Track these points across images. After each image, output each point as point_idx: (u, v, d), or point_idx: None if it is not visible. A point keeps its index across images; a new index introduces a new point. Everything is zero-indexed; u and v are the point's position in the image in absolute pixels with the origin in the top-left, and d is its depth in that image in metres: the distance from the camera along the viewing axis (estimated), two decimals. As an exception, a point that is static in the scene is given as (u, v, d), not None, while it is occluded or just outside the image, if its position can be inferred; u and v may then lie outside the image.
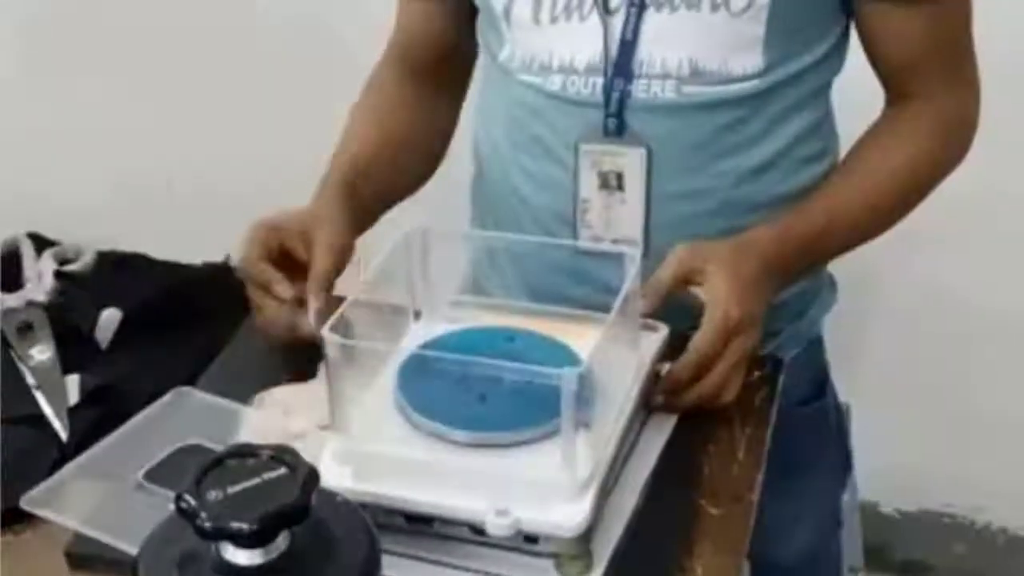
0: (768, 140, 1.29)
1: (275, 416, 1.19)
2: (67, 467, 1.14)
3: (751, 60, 1.26)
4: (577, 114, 1.29)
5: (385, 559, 0.98)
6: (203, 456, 1.03)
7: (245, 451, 0.93)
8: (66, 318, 1.31)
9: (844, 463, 1.53)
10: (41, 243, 1.46)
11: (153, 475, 1.13)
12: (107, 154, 2.31)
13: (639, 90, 1.26)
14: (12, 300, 1.35)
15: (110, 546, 1.05)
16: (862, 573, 1.74)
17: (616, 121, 1.27)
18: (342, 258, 1.25)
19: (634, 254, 1.11)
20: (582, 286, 1.27)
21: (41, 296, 1.35)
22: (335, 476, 1.03)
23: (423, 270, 1.17)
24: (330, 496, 0.97)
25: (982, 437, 2.31)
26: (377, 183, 1.37)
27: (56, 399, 1.22)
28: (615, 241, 1.30)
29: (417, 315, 1.19)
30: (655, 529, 1.08)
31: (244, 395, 1.23)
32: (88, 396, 1.23)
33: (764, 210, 1.30)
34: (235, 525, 0.87)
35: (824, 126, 1.36)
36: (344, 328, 1.05)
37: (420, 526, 1.03)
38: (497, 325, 1.15)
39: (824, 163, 1.36)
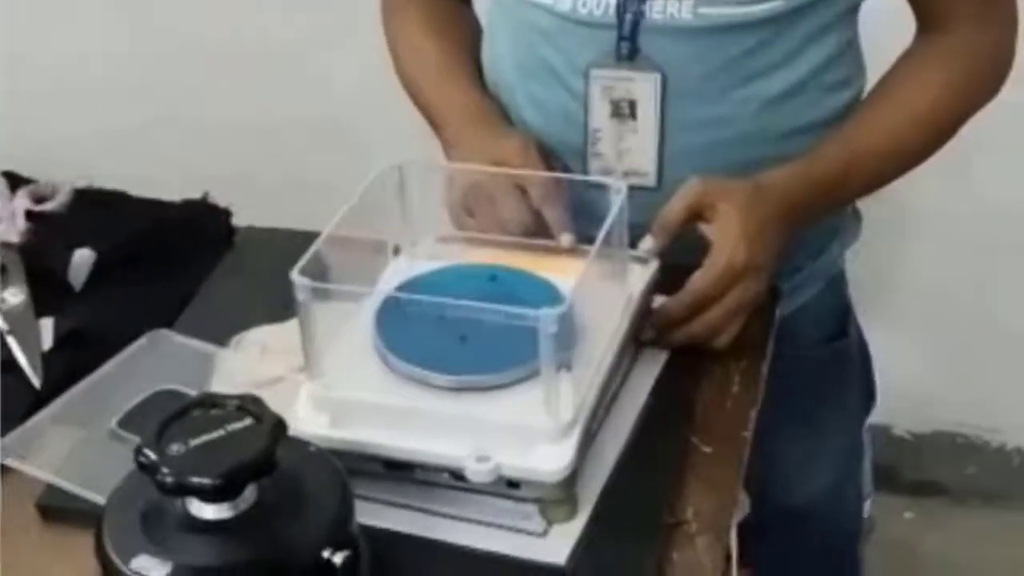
0: (791, 66, 1.22)
1: (252, 359, 1.15)
2: (39, 415, 1.11)
3: None
4: (588, 37, 1.23)
5: (365, 506, 0.96)
6: (178, 401, 1.00)
7: (209, 401, 0.90)
8: (40, 259, 1.27)
9: (866, 397, 1.48)
10: (16, 181, 1.41)
11: (127, 422, 1.09)
12: (86, 90, 2.25)
13: (654, 11, 1.20)
14: (-16, 241, 1.31)
15: (82, 497, 1.02)
16: (872, 495, 1.70)
17: (629, 45, 1.21)
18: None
19: (619, 185, 1.06)
20: (584, 218, 1.24)
21: (14, 237, 1.31)
22: (311, 423, 1.00)
23: (401, 205, 1.12)
24: (302, 446, 0.93)
25: (997, 357, 2.27)
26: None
27: (29, 344, 1.18)
28: (627, 173, 1.25)
29: (396, 251, 1.15)
30: (644, 469, 1.05)
31: (222, 336, 1.19)
32: (62, 340, 1.19)
33: (785, 140, 1.24)
34: (196, 480, 0.84)
35: (850, 52, 1.28)
36: (318, 267, 1.01)
37: (400, 472, 1.00)
38: (479, 263, 1.11)
39: (849, 91, 1.28)
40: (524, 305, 0.97)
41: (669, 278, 1.16)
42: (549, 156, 1.23)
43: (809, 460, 1.41)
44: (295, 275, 0.97)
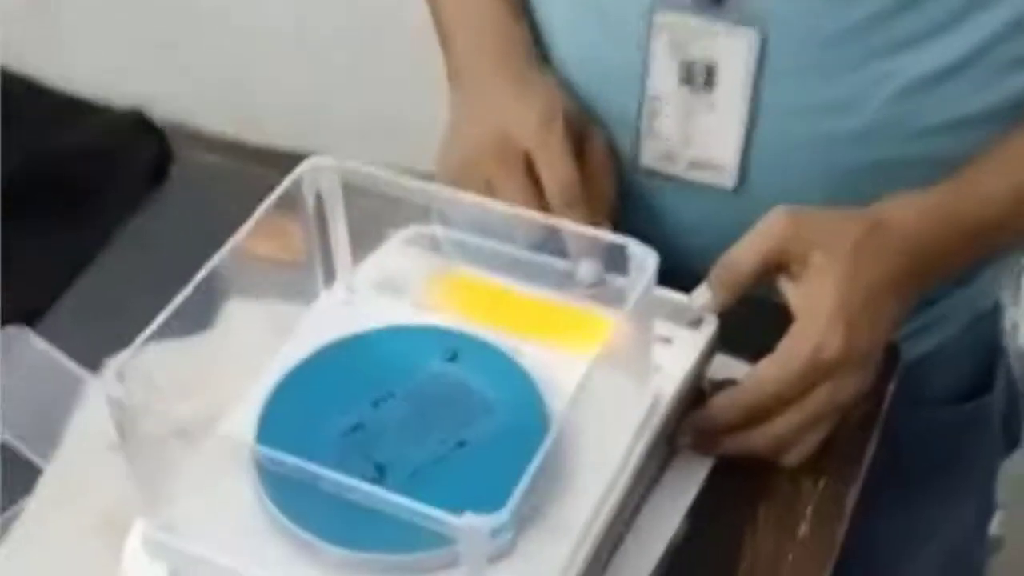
0: (958, 31, 0.81)
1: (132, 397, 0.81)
2: None
3: None
4: None
5: None
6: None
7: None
8: None
9: (1008, 446, 1.09)
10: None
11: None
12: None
13: None
14: None
15: None
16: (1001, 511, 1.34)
17: None
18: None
19: (644, 256, 0.68)
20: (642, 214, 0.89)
21: None
22: (142, 573, 0.67)
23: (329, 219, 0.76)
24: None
25: None
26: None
27: None
28: (694, 164, 0.86)
29: (329, 278, 0.79)
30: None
31: (111, 338, 0.85)
32: None
33: (930, 138, 0.84)
34: None
35: None
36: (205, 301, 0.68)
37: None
38: (441, 325, 0.75)
39: None
40: (484, 412, 0.68)
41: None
42: (585, 131, 0.85)
43: (917, 537, 1.04)
44: (105, 380, 0.63)
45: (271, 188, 0.75)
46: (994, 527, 1.33)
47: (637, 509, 0.75)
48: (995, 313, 1.01)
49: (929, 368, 0.95)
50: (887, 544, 1.02)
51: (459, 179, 0.83)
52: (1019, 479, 1.37)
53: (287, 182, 0.74)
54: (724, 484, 0.78)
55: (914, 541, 1.04)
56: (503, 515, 0.57)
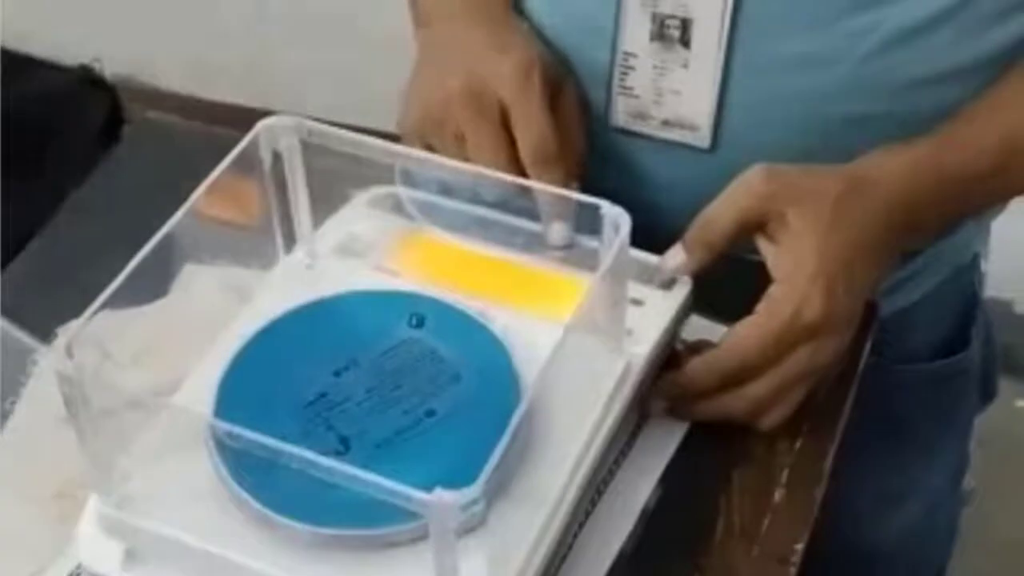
0: None
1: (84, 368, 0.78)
2: None
3: None
4: None
5: None
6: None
7: None
8: None
9: (983, 400, 1.08)
10: None
11: None
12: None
13: None
14: None
15: None
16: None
17: None
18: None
19: (618, 218, 0.66)
20: (613, 173, 0.85)
21: None
22: (98, 554, 0.65)
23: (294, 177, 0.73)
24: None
25: None
26: None
27: None
28: (667, 123, 0.83)
29: (289, 242, 0.76)
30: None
31: (62, 307, 0.82)
32: None
33: (911, 93, 0.81)
34: None
35: None
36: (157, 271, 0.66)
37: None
38: (405, 290, 0.72)
39: None
40: (453, 380, 0.66)
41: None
42: (560, 85, 0.82)
43: (892, 497, 1.03)
44: (55, 353, 0.60)
45: (228, 148, 0.72)
46: (966, 480, 1.33)
47: (610, 474, 0.73)
48: (974, 266, 0.99)
49: (909, 323, 0.94)
50: (867, 502, 1.01)
51: (427, 127, 0.80)
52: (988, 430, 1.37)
53: (244, 142, 0.71)
54: (698, 448, 0.76)
55: (894, 498, 1.03)
56: (474, 490, 0.54)
